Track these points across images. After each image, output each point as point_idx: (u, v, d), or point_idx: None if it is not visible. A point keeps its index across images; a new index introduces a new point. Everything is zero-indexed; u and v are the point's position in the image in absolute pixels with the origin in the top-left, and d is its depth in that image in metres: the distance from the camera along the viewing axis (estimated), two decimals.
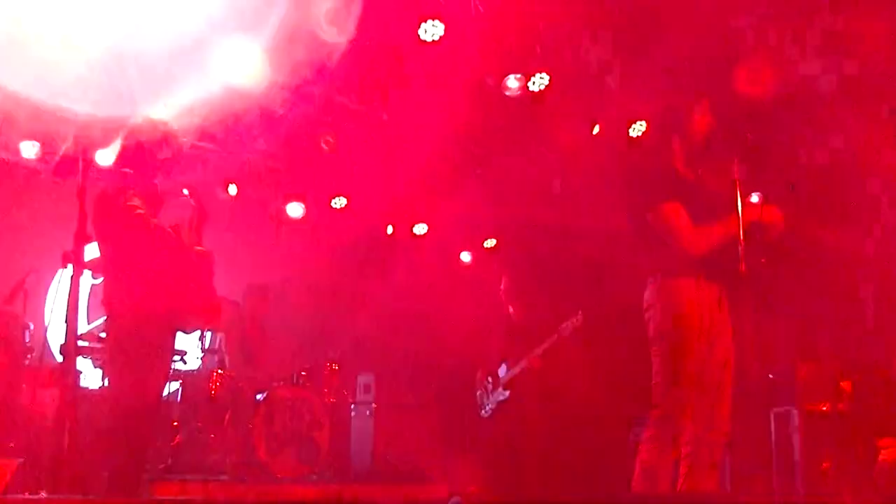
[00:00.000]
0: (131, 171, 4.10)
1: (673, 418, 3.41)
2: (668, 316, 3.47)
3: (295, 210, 8.59)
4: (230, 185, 8.02)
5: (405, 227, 9.50)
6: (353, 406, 7.70)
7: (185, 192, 4.50)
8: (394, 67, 6.75)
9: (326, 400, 7.06)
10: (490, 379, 6.58)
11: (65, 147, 3.35)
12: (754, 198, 7.39)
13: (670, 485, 3.43)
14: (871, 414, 5.69)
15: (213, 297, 4.30)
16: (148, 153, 4.25)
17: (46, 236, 6.43)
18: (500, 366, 6.55)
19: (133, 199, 3.97)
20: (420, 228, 9.53)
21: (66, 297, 3.35)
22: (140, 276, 3.98)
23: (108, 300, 4.07)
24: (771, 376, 6.31)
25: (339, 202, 8.88)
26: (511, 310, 6.76)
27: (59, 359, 3.43)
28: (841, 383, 6.00)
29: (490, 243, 10.07)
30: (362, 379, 7.75)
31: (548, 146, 8.13)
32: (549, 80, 6.62)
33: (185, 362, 6.79)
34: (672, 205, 3.52)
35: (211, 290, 4.31)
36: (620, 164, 7.96)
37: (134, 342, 3.94)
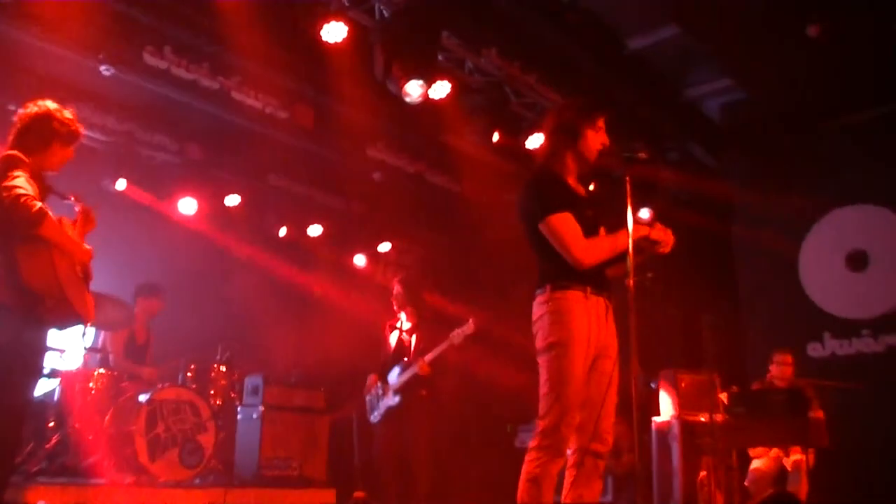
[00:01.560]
0: (14, 152, 3.92)
1: (558, 429, 3.44)
2: (556, 327, 3.52)
3: (187, 206, 8.41)
4: (119, 180, 7.79)
5: (300, 228, 9.43)
6: (239, 408, 7.56)
7: (72, 198, 4.34)
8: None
9: (212, 402, 6.91)
10: (380, 384, 6.56)
11: None
12: (645, 213, 7.69)
13: (554, 495, 3.48)
14: (744, 425, 5.92)
15: (89, 298, 4.13)
16: (38, 138, 4.08)
17: None
18: (390, 372, 6.54)
19: (15, 179, 3.78)
20: (314, 229, 9.47)
21: None
22: (12, 260, 3.79)
23: None
24: (653, 386, 6.52)
25: (233, 200, 8.74)
26: (402, 315, 6.76)
27: None
28: (718, 395, 6.24)
29: (385, 247, 10.09)
30: (250, 381, 7.62)
31: (451, 151, 8.21)
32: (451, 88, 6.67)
33: (64, 360, 6.56)
34: (565, 215, 3.57)
35: (87, 289, 4.14)
36: (518, 175, 8.18)
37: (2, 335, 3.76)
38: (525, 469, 3.49)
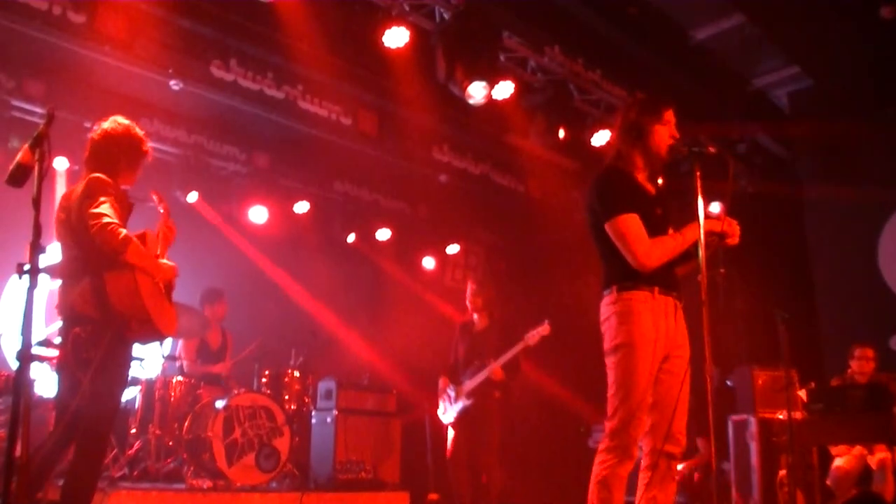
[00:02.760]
0: (100, 175, 4.01)
1: (627, 430, 3.41)
2: (623, 328, 3.48)
3: (258, 214, 8.56)
4: (190, 192, 7.98)
5: (367, 232, 9.52)
6: (314, 413, 7.66)
7: (155, 198, 4.44)
8: None
9: (287, 407, 7.01)
10: (452, 387, 6.56)
11: (20, 154, 3.24)
12: (716, 207, 7.55)
13: (624, 497, 3.44)
14: (824, 422, 5.76)
15: (170, 311, 4.23)
16: (115, 156, 4.18)
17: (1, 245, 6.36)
18: (463, 374, 6.54)
19: (101, 206, 3.89)
20: (382, 233, 9.54)
21: (22, 305, 3.28)
22: (101, 283, 3.92)
23: (65, 305, 4.00)
24: (729, 384, 6.39)
25: (302, 207, 8.87)
26: (475, 317, 6.75)
27: (14, 365, 3.35)
28: (796, 392, 6.09)
29: (453, 249, 10.10)
30: (324, 385, 7.70)
31: (515, 151, 8.20)
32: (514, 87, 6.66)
33: (144, 369, 6.74)
34: (630, 216, 3.53)
35: (169, 304, 4.24)
36: (583, 172, 8.13)
37: (90, 350, 3.88)
38: (594, 471, 3.47)
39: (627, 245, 3.50)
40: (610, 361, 3.54)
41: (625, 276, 3.54)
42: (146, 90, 7.01)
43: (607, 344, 3.55)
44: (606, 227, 3.56)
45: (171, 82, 6.62)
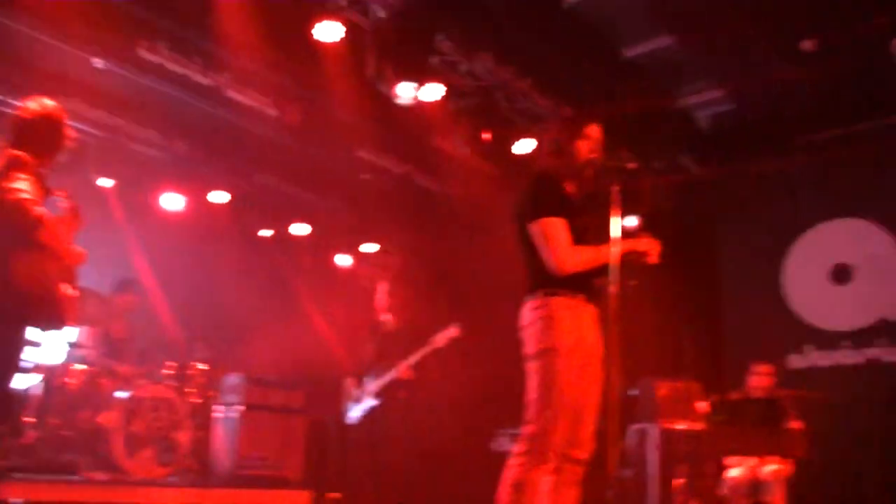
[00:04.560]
0: (21, 153, 3.88)
1: (546, 435, 3.43)
2: (549, 332, 3.50)
3: (173, 201, 8.36)
4: (106, 175, 7.75)
5: (285, 226, 9.40)
6: (218, 407, 7.51)
7: (61, 195, 4.30)
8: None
9: (191, 400, 6.86)
10: (359, 386, 6.53)
11: None
12: (632, 222, 7.70)
13: (536, 501, 3.46)
14: (724, 434, 5.95)
15: (74, 299, 4.11)
16: (39, 138, 4.05)
17: None
18: (370, 373, 6.51)
19: (18, 182, 3.76)
20: (300, 228, 9.44)
21: None
22: (3, 261, 3.77)
23: None
24: (632, 393, 6.53)
25: (219, 196, 8.70)
26: (386, 317, 6.73)
27: None
28: (698, 403, 6.27)
29: (370, 248, 10.07)
30: (230, 379, 7.57)
31: (439, 154, 8.20)
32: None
33: (43, 355, 6.49)
34: (555, 219, 3.57)
35: (73, 291, 4.12)
36: (505, 179, 8.18)
37: None
38: (508, 474, 3.47)
39: (547, 247, 3.54)
40: (533, 366, 3.55)
41: (552, 281, 3.56)
42: (67, 67, 6.76)
43: (531, 348, 3.56)
44: (531, 227, 3.59)
45: (95, 61, 6.42)
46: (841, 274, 8.12)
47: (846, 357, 7.92)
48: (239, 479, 6.98)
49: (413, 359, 6.29)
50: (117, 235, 7.89)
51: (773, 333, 8.22)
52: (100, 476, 6.02)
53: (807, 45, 6.38)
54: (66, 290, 4.04)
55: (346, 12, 6.14)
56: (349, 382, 6.60)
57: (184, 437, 6.43)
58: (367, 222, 9.79)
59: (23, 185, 3.76)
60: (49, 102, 4.15)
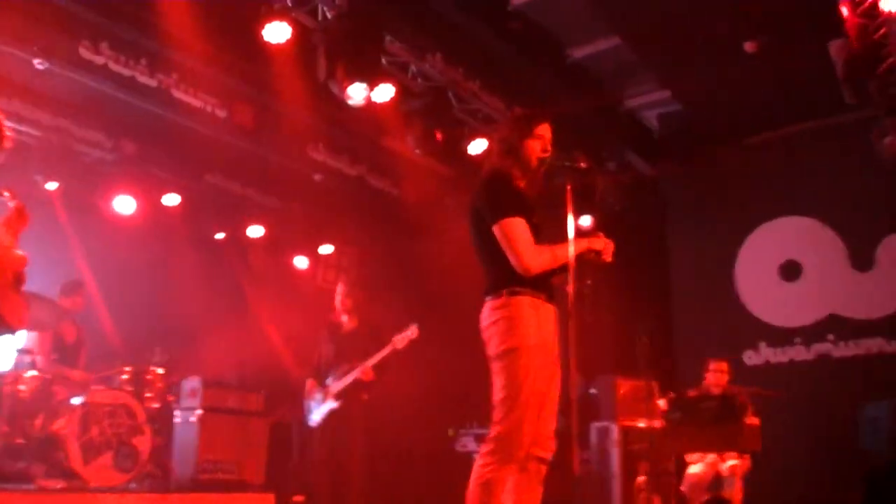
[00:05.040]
0: None
1: (513, 435, 3.43)
2: (513, 332, 3.50)
3: (124, 204, 8.25)
4: (51, 177, 7.62)
5: (239, 228, 9.34)
6: (177, 412, 7.45)
7: (7, 194, 4.21)
8: None
9: (149, 405, 6.79)
10: (320, 388, 6.52)
11: None
12: (586, 221, 7.81)
13: (503, 501, 3.48)
14: (681, 431, 6.04)
15: (19, 303, 4.03)
16: None
17: None
18: (330, 375, 6.50)
19: None
20: (255, 230, 9.39)
21: None
22: None
23: None
24: (591, 392, 6.62)
25: (171, 199, 8.61)
26: (344, 318, 6.73)
27: None
28: (656, 401, 6.37)
29: (326, 249, 10.05)
30: (188, 383, 7.50)
31: (391, 155, 8.23)
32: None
33: None
34: (518, 219, 3.57)
35: (18, 295, 4.04)
36: (458, 180, 8.24)
37: None
38: (477, 473, 3.46)
39: (514, 248, 3.54)
40: (498, 366, 3.54)
41: (514, 281, 3.56)
42: (7, 67, 6.65)
43: (495, 349, 3.55)
44: (494, 228, 3.58)
45: (36, 61, 6.30)
46: (790, 271, 8.29)
47: (798, 353, 8.08)
48: (200, 484, 6.93)
49: (373, 360, 6.30)
50: (66, 239, 7.78)
51: (727, 330, 8.35)
52: (56, 484, 5.93)
53: (750, 46, 6.53)
54: (10, 293, 3.96)
55: (293, 13, 6.13)
56: (310, 384, 6.58)
57: (143, 443, 6.35)
58: (323, 223, 9.78)
59: None
60: None
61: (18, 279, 4.08)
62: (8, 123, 4.22)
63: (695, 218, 8.84)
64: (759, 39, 6.46)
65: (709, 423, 5.88)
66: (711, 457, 6.73)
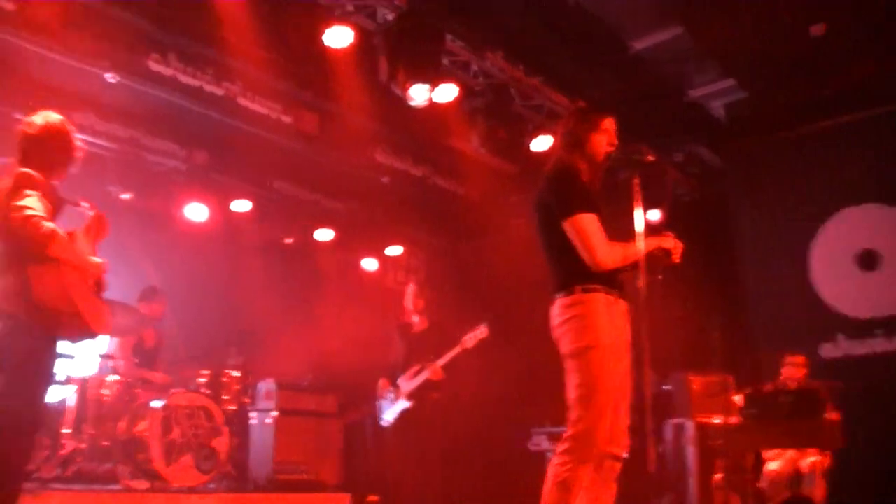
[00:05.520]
0: (28, 170, 3.91)
1: (590, 434, 3.41)
2: (588, 330, 3.47)
3: (196, 212, 8.45)
4: (125, 188, 7.84)
5: (308, 232, 9.46)
6: (253, 413, 7.60)
7: (85, 204, 4.34)
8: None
9: (226, 407, 6.94)
10: (392, 388, 6.58)
11: None
12: (655, 215, 7.71)
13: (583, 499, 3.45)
14: (758, 427, 5.90)
15: (102, 308, 4.15)
16: (46, 152, 4.08)
17: None
18: (402, 375, 6.56)
19: (26, 199, 3.79)
20: (323, 234, 9.51)
21: None
22: (25, 278, 3.82)
23: None
24: (665, 388, 6.53)
25: (241, 205, 8.78)
26: (415, 319, 6.78)
27: None
28: (732, 397, 6.24)
29: (394, 251, 10.11)
30: (263, 386, 7.64)
31: (455, 154, 8.25)
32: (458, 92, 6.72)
33: (76, 367, 6.59)
34: (590, 215, 3.54)
35: (100, 301, 4.16)
36: (522, 177, 8.21)
37: (12, 347, 3.79)
38: (554, 472, 3.44)
39: (587, 244, 3.51)
40: (572, 365, 3.51)
41: (585, 277, 3.53)
42: (80, 82, 6.84)
43: (569, 346, 3.52)
44: (564, 224, 3.55)
45: (107, 75, 6.50)
46: (868, 260, 8.01)
47: (880, 345, 7.81)
48: (277, 484, 7.05)
49: (443, 360, 6.33)
50: (141, 247, 7.97)
51: (803, 323, 8.08)
52: (140, 484, 6.10)
53: (815, 29, 6.37)
54: (92, 299, 4.09)
55: (354, 17, 6.20)
56: (382, 384, 6.64)
57: (221, 444, 6.49)
58: (390, 225, 9.84)
59: (31, 202, 3.77)
60: (53, 116, 4.14)
61: (100, 286, 4.20)
62: (80, 136, 4.36)
63: (765, 208, 8.61)
64: (827, 22, 6.29)
65: (786, 418, 5.72)
66: (790, 453, 6.56)
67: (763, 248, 8.58)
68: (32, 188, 3.84)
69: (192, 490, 6.18)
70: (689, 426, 6.17)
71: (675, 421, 6.36)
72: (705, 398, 6.26)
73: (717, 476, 5.98)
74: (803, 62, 7.10)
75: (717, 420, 5.99)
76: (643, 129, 7.45)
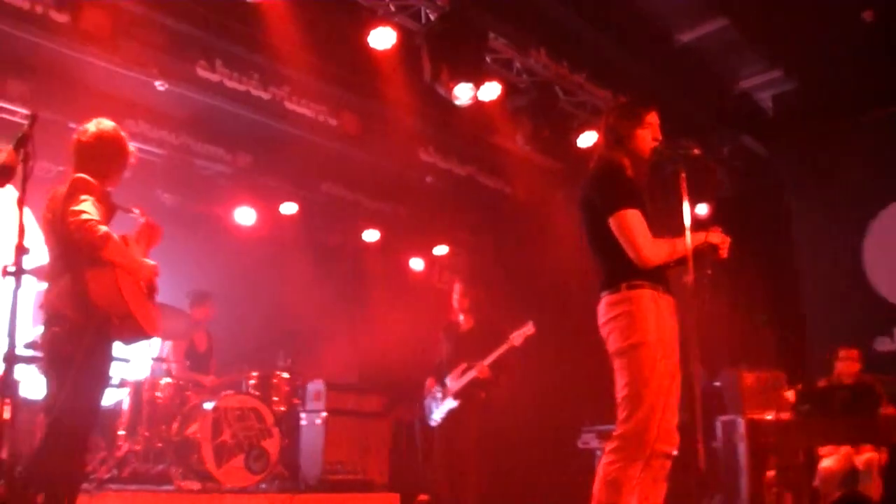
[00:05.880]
0: (84, 175, 3.99)
1: (640, 433, 3.36)
2: (636, 327, 3.42)
3: (245, 216, 8.55)
4: (175, 193, 7.97)
5: (354, 233, 9.52)
6: (302, 414, 7.66)
7: (137, 210, 4.41)
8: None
9: (276, 408, 7.01)
10: (439, 387, 6.58)
11: (4, 155, 3.23)
12: (702, 210, 7.59)
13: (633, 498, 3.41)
14: (811, 423, 5.78)
15: (154, 311, 4.22)
16: (100, 158, 4.16)
17: None
18: (449, 374, 6.55)
19: (82, 203, 3.87)
20: (370, 235, 9.55)
21: (7, 306, 3.27)
22: (81, 281, 3.89)
23: (46, 305, 3.98)
24: (716, 384, 6.42)
25: (289, 208, 8.86)
26: (461, 318, 6.77)
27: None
28: (784, 393, 6.12)
29: (441, 250, 10.12)
30: (312, 387, 7.71)
31: (500, 153, 8.23)
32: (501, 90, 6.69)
33: (131, 370, 6.72)
34: (635, 211, 3.50)
35: (152, 304, 4.23)
36: (568, 174, 8.16)
37: (69, 349, 3.86)
38: (604, 471, 3.41)
39: (632, 240, 3.46)
40: (620, 363, 3.47)
41: (632, 273, 3.49)
42: (130, 90, 6.99)
43: (617, 344, 3.48)
44: (609, 221, 3.51)
45: (156, 83, 6.62)
46: None
47: None
48: (328, 484, 7.10)
49: (490, 358, 6.31)
50: (190, 251, 8.09)
51: (857, 316, 7.88)
52: (192, 485, 6.19)
53: (867, 14, 6.21)
54: (145, 302, 4.15)
55: (397, 17, 6.21)
56: (429, 383, 6.65)
57: (272, 445, 6.55)
58: (436, 225, 9.86)
59: (87, 207, 3.82)
60: (106, 123, 4.21)
61: (151, 289, 4.27)
62: (132, 143, 4.43)
63: (816, 200, 8.42)
64: (878, 7, 6.13)
65: (841, 414, 5.58)
66: (845, 450, 6.42)
67: (814, 241, 8.39)
68: (88, 193, 3.92)
69: (243, 490, 6.26)
70: (741, 423, 6.05)
71: (726, 418, 6.25)
72: (757, 394, 6.13)
73: (770, 474, 5.87)
74: (854, 50, 6.92)
75: (769, 416, 5.87)
76: (689, 122, 7.37)
